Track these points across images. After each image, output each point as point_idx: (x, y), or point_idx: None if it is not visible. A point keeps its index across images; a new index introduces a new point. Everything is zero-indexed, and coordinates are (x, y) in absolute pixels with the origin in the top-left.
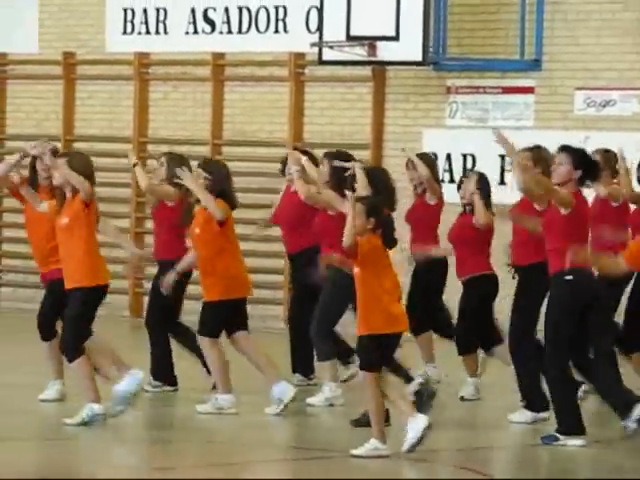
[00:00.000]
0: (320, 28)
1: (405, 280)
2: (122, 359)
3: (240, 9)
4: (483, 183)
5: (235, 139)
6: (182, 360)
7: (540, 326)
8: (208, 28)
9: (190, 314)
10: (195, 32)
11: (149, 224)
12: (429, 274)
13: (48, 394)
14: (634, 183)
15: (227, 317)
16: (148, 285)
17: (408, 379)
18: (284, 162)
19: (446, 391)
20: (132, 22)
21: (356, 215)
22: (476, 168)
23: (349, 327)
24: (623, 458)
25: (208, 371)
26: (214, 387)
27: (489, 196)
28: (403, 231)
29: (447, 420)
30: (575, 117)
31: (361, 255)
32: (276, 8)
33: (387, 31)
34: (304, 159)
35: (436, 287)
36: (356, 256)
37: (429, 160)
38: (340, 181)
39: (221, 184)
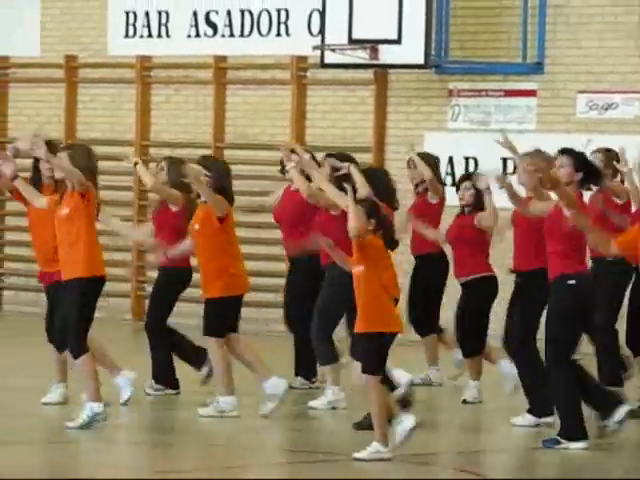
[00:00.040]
0: (322, 31)
1: (404, 282)
2: (114, 362)
3: (242, 12)
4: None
5: (237, 142)
6: (184, 363)
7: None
8: (210, 31)
9: (190, 317)
10: (197, 35)
11: None
12: (429, 274)
13: (51, 397)
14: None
15: (229, 314)
16: (150, 288)
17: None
18: (282, 163)
19: (448, 394)
20: (134, 25)
21: (357, 215)
22: (478, 171)
23: None
24: (624, 460)
25: (197, 365)
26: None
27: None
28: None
29: (449, 423)
30: (577, 120)
31: (364, 254)
32: (278, 11)
33: (389, 34)
34: (307, 156)
35: (436, 287)
36: (362, 248)
37: (431, 160)
38: (341, 181)
39: (221, 181)
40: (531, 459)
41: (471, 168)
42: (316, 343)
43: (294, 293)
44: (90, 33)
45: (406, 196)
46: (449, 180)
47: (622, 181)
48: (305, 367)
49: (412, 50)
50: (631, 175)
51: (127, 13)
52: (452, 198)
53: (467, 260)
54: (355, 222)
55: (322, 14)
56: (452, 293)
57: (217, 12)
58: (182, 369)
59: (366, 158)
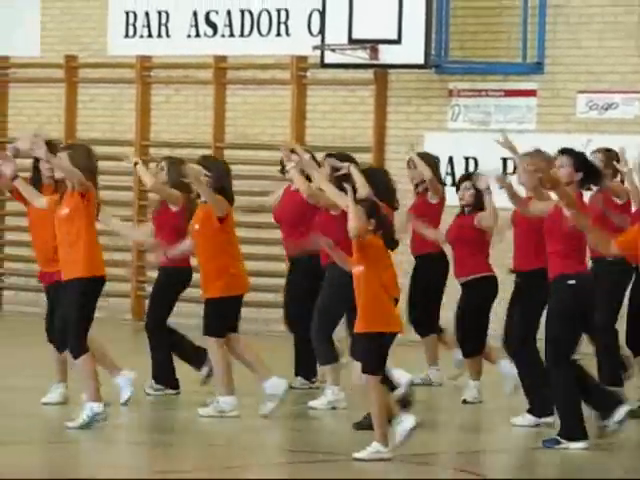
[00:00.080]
0: (322, 31)
1: (404, 282)
2: (114, 363)
3: (242, 12)
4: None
5: (237, 142)
6: (184, 363)
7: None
8: (210, 31)
9: (190, 317)
10: (197, 35)
11: None
12: (429, 274)
13: (51, 397)
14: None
15: (229, 314)
16: (150, 288)
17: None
18: (282, 163)
19: (448, 394)
20: (134, 25)
21: (357, 215)
22: (478, 171)
23: None
24: (624, 460)
25: (197, 365)
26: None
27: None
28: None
29: (449, 423)
30: (577, 120)
31: (364, 254)
32: (278, 11)
33: (389, 34)
34: (307, 156)
35: (436, 287)
36: (363, 248)
37: (431, 160)
38: (341, 181)
39: (221, 181)
40: (531, 459)
41: (471, 168)
42: (316, 343)
43: (294, 293)
44: (90, 33)
45: (406, 196)
46: (449, 180)
47: (622, 181)
48: (305, 367)
49: (412, 50)
50: (631, 175)
51: (127, 13)
52: (452, 198)
53: (467, 260)
54: (355, 222)
55: (322, 14)
56: (452, 293)
57: (217, 12)
58: (182, 369)
59: (366, 158)
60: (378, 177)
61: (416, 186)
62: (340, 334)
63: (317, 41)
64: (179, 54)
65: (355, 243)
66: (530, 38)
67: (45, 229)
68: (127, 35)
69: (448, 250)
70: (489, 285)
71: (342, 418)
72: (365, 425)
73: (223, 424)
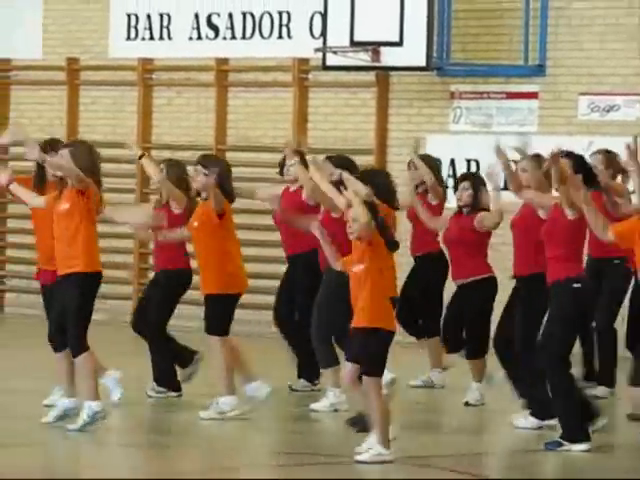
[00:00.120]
0: (324, 33)
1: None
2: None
3: (244, 15)
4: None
5: (239, 145)
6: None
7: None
8: (212, 34)
9: (191, 319)
10: (199, 38)
11: None
12: (429, 274)
13: (52, 399)
14: None
15: (229, 312)
16: None
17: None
18: (282, 164)
19: (450, 396)
20: (136, 28)
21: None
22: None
23: None
24: (624, 461)
25: (181, 365)
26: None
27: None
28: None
29: (451, 425)
30: (579, 122)
31: (369, 253)
32: (280, 14)
33: (391, 36)
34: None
35: (436, 287)
36: (369, 245)
37: (432, 162)
38: (337, 187)
39: (220, 180)
40: (533, 461)
41: (473, 170)
42: (316, 343)
43: (289, 293)
44: (92, 35)
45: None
46: (451, 182)
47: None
48: (308, 369)
49: (414, 52)
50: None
51: (129, 15)
52: (453, 200)
53: (466, 262)
54: (365, 217)
55: (324, 16)
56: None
57: (219, 14)
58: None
59: (368, 160)
60: (379, 178)
61: (416, 187)
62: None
63: (319, 43)
64: (181, 56)
65: (360, 242)
66: (532, 40)
67: (48, 227)
68: (129, 37)
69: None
70: (490, 286)
71: (344, 420)
72: (357, 421)
73: (223, 426)
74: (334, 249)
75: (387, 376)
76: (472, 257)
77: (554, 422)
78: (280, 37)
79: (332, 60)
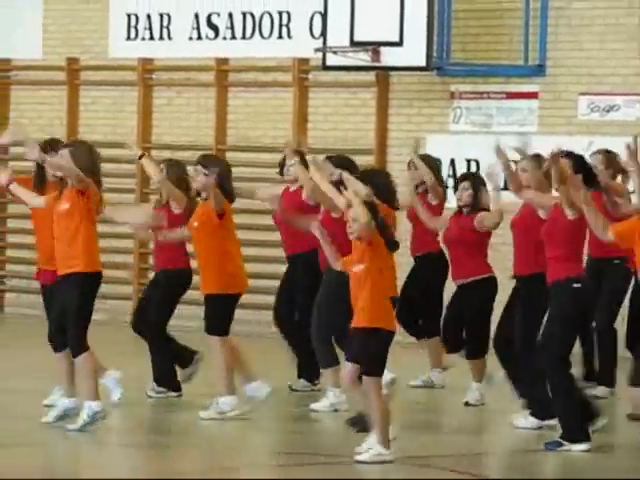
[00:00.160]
0: (324, 33)
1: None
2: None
3: (244, 15)
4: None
5: (239, 145)
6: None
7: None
8: (212, 34)
9: (191, 319)
10: (199, 38)
11: None
12: (429, 274)
13: (53, 399)
14: None
15: (229, 312)
16: None
17: None
18: (282, 164)
19: (450, 396)
20: (136, 28)
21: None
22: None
23: None
24: (624, 461)
25: (181, 365)
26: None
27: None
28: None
29: (451, 425)
30: (579, 122)
31: (370, 252)
32: (280, 14)
33: (391, 36)
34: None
35: (436, 287)
36: (369, 245)
37: (432, 162)
38: (337, 187)
39: (220, 180)
40: (533, 461)
41: (473, 170)
42: (316, 343)
43: (289, 293)
44: (92, 35)
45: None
46: (451, 182)
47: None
48: (308, 369)
49: (414, 52)
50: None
51: (129, 15)
52: (454, 200)
53: (466, 261)
54: (365, 217)
55: (324, 16)
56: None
57: (219, 14)
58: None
59: (368, 160)
60: (379, 178)
61: (416, 187)
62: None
63: (319, 43)
64: (181, 56)
65: (361, 242)
66: (532, 40)
67: (49, 227)
68: (129, 37)
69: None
70: (490, 286)
71: (343, 420)
72: (357, 421)
73: (223, 426)
74: (334, 249)
75: (387, 376)
76: (472, 257)
77: (554, 422)
78: (280, 37)
79: (332, 60)
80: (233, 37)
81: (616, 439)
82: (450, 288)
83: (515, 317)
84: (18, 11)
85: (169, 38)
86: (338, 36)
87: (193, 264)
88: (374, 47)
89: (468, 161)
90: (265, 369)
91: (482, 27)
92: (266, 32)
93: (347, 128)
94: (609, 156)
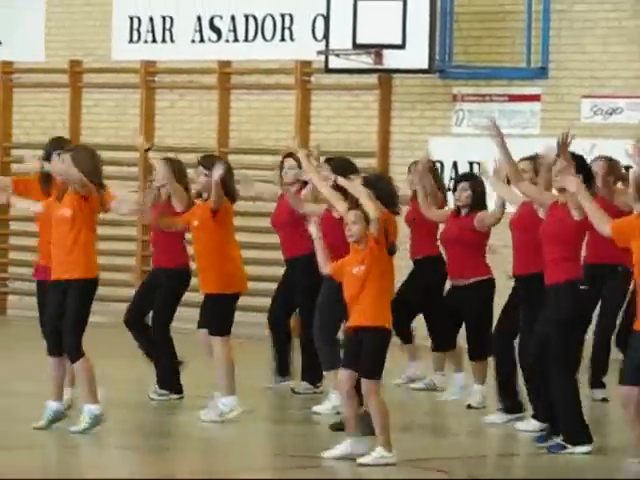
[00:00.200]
0: (326, 36)
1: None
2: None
3: (246, 17)
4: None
5: (241, 147)
6: (188, 368)
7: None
8: (214, 36)
9: (191, 322)
10: (201, 40)
11: None
12: (428, 277)
13: (65, 400)
14: None
15: (229, 311)
16: None
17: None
18: (280, 168)
19: (452, 399)
20: (138, 30)
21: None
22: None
23: None
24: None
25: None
26: None
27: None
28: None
29: (453, 428)
30: (581, 125)
31: (374, 252)
32: (282, 16)
33: (393, 39)
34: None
35: (436, 288)
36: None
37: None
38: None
39: (223, 180)
40: (534, 464)
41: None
42: (319, 344)
43: (286, 295)
44: (94, 38)
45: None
46: (453, 185)
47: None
48: (311, 372)
49: (416, 55)
50: None
51: (131, 18)
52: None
53: (466, 262)
54: (376, 212)
55: (326, 19)
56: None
57: (221, 17)
58: (186, 374)
59: (370, 163)
60: (380, 182)
61: (414, 192)
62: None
63: (321, 46)
64: (183, 59)
65: (355, 245)
66: (534, 43)
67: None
68: (131, 40)
69: None
70: (490, 287)
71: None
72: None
73: (224, 428)
74: (326, 252)
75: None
76: (472, 257)
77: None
78: (283, 40)
79: (335, 63)
80: (236, 40)
81: (616, 440)
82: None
83: (514, 317)
84: (21, 14)
85: (172, 41)
86: (341, 39)
87: (192, 265)
88: (377, 50)
89: (470, 164)
90: (266, 371)
91: (484, 30)
92: (269, 35)
93: (350, 131)
94: (611, 163)
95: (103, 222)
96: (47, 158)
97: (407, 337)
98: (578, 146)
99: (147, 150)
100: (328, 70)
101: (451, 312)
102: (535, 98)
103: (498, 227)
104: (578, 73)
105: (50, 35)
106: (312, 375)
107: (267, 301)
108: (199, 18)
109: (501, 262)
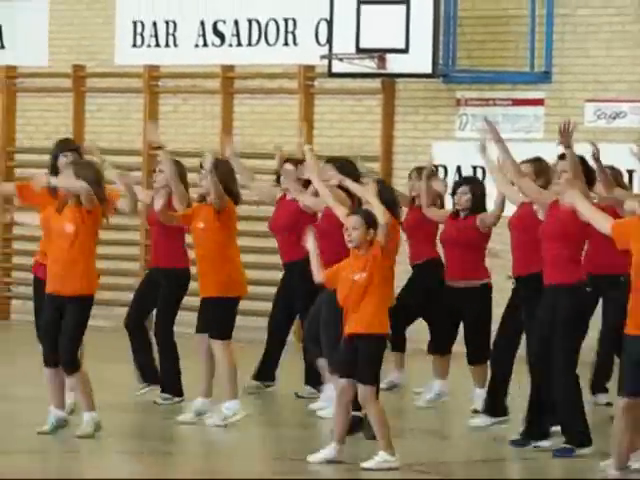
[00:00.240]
0: (330, 40)
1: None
2: None
3: (250, 22)
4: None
5: (245, 151)
6: (188, 371)
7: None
8: (218, 41)
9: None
10: (205, 45)
11: None
12: (427, 281)
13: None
14: None
15: (230, 315)
16: None
17: None
18: (278, 173)
19: (456, 403)
20: (142, 35)
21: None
22: (486, 180)
23: None
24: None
25: (144, 377)
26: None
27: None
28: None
29: (456, 432)
30: (585, 129)
31: (379, 259)
32: (285, 21)
33: (397, 43)
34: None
35: (437, 291)
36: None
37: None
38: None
39: (225, 181)
40: (537, 467)
41: (479, 177)
42: (326, 350)
43: (286, 300)
44: (98, 43)
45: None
46: None
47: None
48: (314, 376)
49: (419, 59)
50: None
51: (134, 23)
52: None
53: (466, 264)
54: (385, 217)
55: (329, 23)
56: None
57: (224, 21)
58: (188, 377)
59: (373, 167)
60: (381, 187)
61: (413, 199)
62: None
63: (324, 50)
64: (186, 63)
65: (355, 250)
66: (538, 47)
67: None
68: (135, 45)
69: None
70: (490, 291)
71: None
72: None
73: (227, 432)
74: (320, 262)
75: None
76: (470, 259)
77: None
78: (286, 44)
79: (338, 67)
80: (239, 44)
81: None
82: None
83: (515, 319)
84: (24, 18)
85: (175, 45)
86: (344, 43)
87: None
88: (380, 54)
89: (474, 168)
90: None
91: (488, 34)
92: (272, 39)
93: (353, 135)
94: (613, 172)
95: (107, 227)
96: (54, 160)
97: (399, 345)
98: (582, 150)
99: (160, 148)
100: (331, 74)
101: (450, 314)
102: (539, 102)
103: (498, 229)
104: (582, 77)
105: (53, 39)
106: (315, 379)
107: (267, 305)
108: (202, 23)
109: (502, 265)
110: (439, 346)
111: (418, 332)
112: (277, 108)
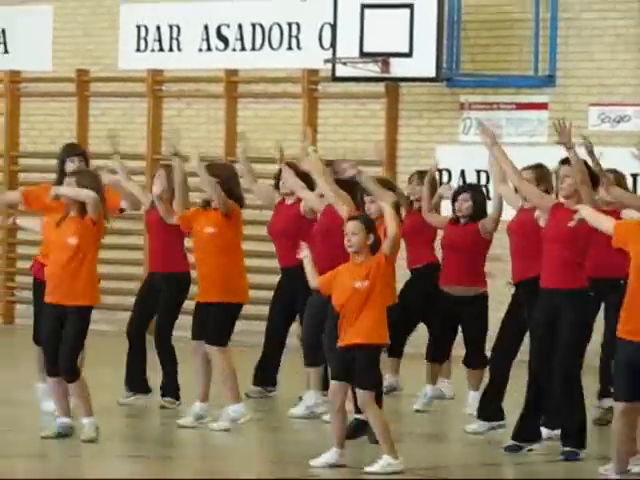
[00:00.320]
0: (333, 44)
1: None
2: None
3: (253, 26)
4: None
5: (248, 156)
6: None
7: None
8: (221, 45)
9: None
10: (208, 49)
11: None
12: (426, 285)
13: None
14: None
15: (230, 321)
16: None
17: None
18: (277, 177)
19: (459, 406)
20: (145, 39)
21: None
22: (490, 184)
23: None
24: None
25: (130, 387)
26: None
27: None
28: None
29: (458, 435)
30: (589, 133)
31: (382, 268)
32: (289, 25)
33: (400, 47)
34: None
35: (437, 296)
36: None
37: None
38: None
39: (228, 185)
40: (538, 469)
41: (482, 181)
42: (329, 355)
43: (283, 304)
44: (101, 47)
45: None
46: None
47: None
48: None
49: (423, 63)
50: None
51: (138, 27)
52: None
53: (462, 269)
54: (395, 230)
55: (333, 27)
56: None
57: (228, 26)
58: (189, 380)
59: (377, 172)
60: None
61: (411, 203)
62: None
63: (328, 54)
64: (190, 68)
65: (355, 255)
66: (542, 51)
67: None
68: (138, 49)
69: None
70: (485, 301)
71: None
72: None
73: (229, 436)
74: (315, 269)
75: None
76: (468, 266)
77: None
78: (290, 48)
79: (342, 71)
80: (243, 48)
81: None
82: None
83: (515, 324)
84: (28, 23)
85: (179, 49)
86: (348, 47)
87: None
88: (384, 58)
89: (478, 172)
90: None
91: (492, 38)
92: (275, 43)
93: (356, 139)
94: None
95: (110, 231)
96: (61, 165)
97: (396, 351)
98: (586, 154)
99: (175, 154)
100: (335, 78)
101: (447, 318)
102: (543, 106)
103: (497, 234)
104: (586, 81)
105: (57, 44)
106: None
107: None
108: (206, 27)
109: (502, 269)
110: (437, 354)
111: (418, 337)
112: (281, 112)
